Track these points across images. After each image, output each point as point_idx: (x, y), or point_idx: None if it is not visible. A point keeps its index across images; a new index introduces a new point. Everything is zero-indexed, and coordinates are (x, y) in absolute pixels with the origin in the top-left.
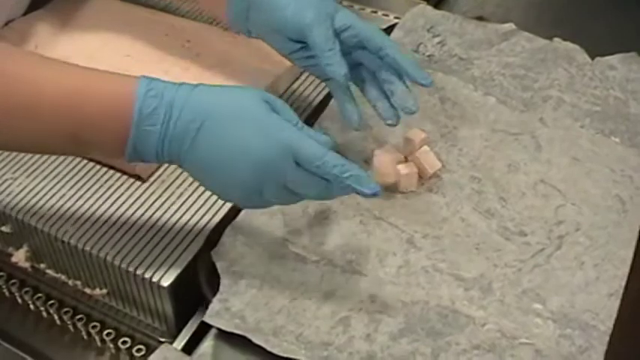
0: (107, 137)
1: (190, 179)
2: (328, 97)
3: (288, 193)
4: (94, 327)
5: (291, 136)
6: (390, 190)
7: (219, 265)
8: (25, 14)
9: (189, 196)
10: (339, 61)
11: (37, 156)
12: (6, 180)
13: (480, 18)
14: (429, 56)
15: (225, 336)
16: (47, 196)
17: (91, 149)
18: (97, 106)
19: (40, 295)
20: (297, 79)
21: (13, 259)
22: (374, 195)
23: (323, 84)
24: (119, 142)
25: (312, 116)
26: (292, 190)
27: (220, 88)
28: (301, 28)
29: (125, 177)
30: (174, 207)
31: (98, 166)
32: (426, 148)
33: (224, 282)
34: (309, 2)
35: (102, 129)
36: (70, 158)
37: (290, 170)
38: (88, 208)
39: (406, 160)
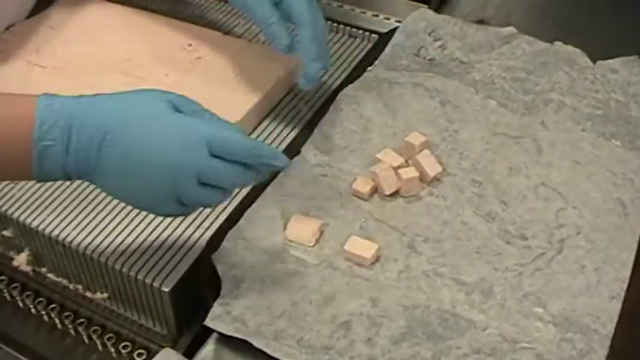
0: (11, 160)
1: None
2: (329, 101)
3: (206, 190)
4: (95, 331)
5: (201, 129)
6: (392, 193)
7: (220, 269)
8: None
9: None
10: (279, 33)
11: None
12: (7, 184)
13: (481, 21)
14: (430, 60)
15: (226, 340)
16: (48, 200)
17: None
18: None
19: (41, 299)
20: (298, 83)
21: (15, 263)
22: (285, 167)
23: (324, 88)
24: (24, 164)
25: (312, 120)
26: (209, 184)
27: (120, 95)
28: (241, 5)
29: None
30: None
31: None
32: (426, 151)
33: (225, 286)
34: None
35: (4, 153)
36: None
37: (205, 162)
38: (89, 212)
39: (407, 163)
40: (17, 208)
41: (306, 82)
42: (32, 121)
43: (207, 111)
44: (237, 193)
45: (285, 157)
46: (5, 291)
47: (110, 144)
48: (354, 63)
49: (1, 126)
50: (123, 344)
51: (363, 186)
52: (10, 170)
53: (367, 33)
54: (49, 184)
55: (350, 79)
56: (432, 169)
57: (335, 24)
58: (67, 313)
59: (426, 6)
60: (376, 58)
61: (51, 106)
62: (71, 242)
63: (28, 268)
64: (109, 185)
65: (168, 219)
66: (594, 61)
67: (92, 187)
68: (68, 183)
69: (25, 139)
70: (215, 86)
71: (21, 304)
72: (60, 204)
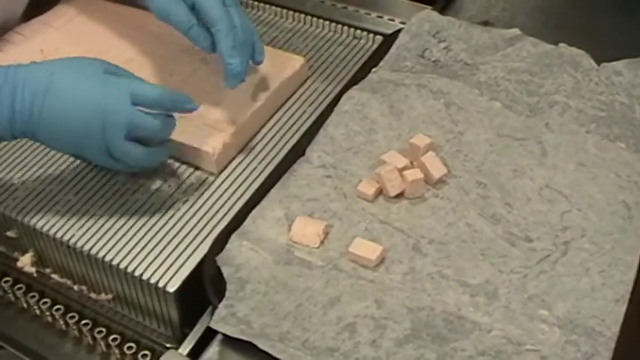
0: None
1: (196, 185)
2: (333, 103)
3: (132, 144)
4: (99, 332)
5: (125, 83)
6: (396, 195)
7: (224, 271)
8: (28, 17)
9: (194, 202)
10: (199, 35)
11: (42, 161)
12: (12, 185)
13: (486, 23)
14: (434, 61)
15: (230, 342)
16: (52, 201)
17: None
18: None
19: (45, 300)
20: (303, 84)
21: (19, 264)
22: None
23: (329, 89)
24: None
25: (316, 121)
26: (135, 138)
27: (61, 60)
28: (162, 15)
29: (131, 182)
30: (180, 213)
31: (103, 171)
32: (431, 153)
33: (230, 287)
34: None
35: None
36: (74, 163)
37: (129, 110)
38: (94, 213)
39: (412, 165)
40: (21, 209)
41: (228, 79)
42: None
43: (138, 78)
44: (242, 195)
45: (195, 102)
46: (10, 292)
47: (51, 100)
48: (359, 64)
49: None
50: (127, 345)
51: (368, 188)
52: None
53: (371, 34)
54: (53, 184)
55: (354, 81)
56: (437, 170)
57: (339, 25)
58: (71, 315)
59: (430, 7)
60: (381, 60)
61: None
62: (75, 243)
63: (32, 269)
64: (50, 139)
65: (173, 220)
66: (599, 63)
67: (96, 188)
68: (72, 184)
69: None
70: (220, 86)
71: (25, 306)
72: (64, 205)
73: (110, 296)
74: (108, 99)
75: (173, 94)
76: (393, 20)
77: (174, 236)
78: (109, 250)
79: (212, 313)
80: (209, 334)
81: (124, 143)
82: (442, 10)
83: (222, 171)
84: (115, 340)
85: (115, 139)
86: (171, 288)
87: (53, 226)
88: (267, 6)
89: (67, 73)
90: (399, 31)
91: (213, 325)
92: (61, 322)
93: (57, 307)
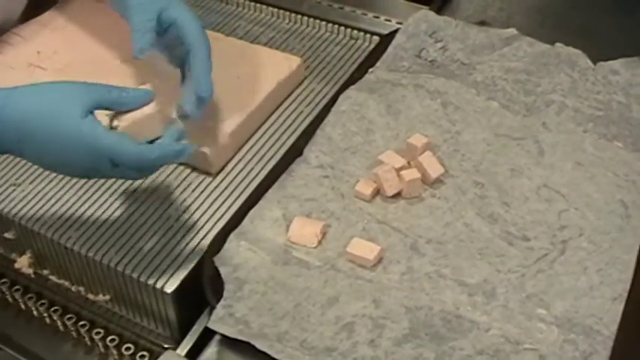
0: None
1: (194, 186)
2: (331, 103)
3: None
4: (97, 333)
5: (103, 143)
6: (394, 195)
7: (222, 271)
8: (27, 18)
9: (191, 203)
10: (141, 39)
11: None
12: (9, 186)
13: (482, 23)
14: (431, 61)
15: (229, 342)
16: (50, 203)
17: None
18: None
19: (43, 301)
20: (301, 84)
21: (17, 266)
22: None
23: (326, 90)
24: None
25: (314, 121)
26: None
27: (31, 99)
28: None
29: (127, 183)
30: (178, 213)
31: None
32: (428, 153)
33: (228, 288)
34: None
35: None
36: None
37: (109, 171)
38: (91, 215)
39: (409, 165)
40: (19, 210)
41: (196, 103)
42: None
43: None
44: (239, 195)
45: (187, 146)
46: (7, 293)
47: (28, 151)
48: (356, 64)
49: None
50: (125, 346)
51: (366, 188)
52: None
53: (368, 35)
54: (50, 185)
55: (351, 81)
56: (434, 170)
57: (336, 25)
58: (69, 316)
59: (427, 7)
60: (378, 60)
61: None
62: (73, 244)
63: (30, 271)
64: (36, 164)
65: (170, 221)
66: (595, 63)
67: (93, 189)
68: (70, 185)
69: None
70: (216, 89)
71: (23, 307)
72: (61, 206)
73: (108, 297)
74: (90, 168)
75: (146, 154)
76: (389, 20)
77: (172, 237)
78: (107, 252)
79: (210, 313)
80: (207, 335)
81: (111, 175)
82: (439, 10)
83: (219, 171)
84: (113, 340)
85: (103, 177)
86: (169, 289)
87: (50, 227)
88: (264, 7)
89: (40, 124)
90: (395, 31)
91: (212, 326)
92: (59, 324)
93: (55, 308)
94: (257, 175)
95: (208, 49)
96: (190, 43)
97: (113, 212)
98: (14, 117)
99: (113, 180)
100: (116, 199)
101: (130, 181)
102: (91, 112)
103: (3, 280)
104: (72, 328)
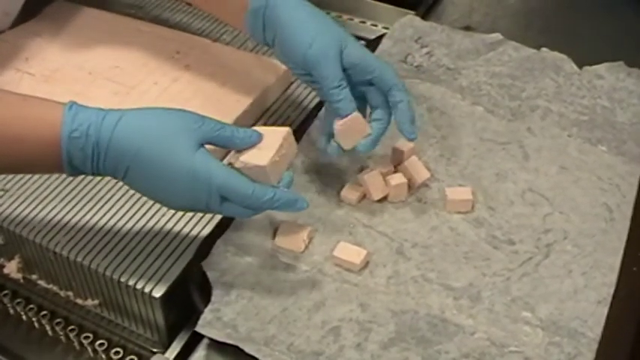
0: (44, 171)
1: None
2: (317, 108)
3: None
4: (86, 337)
5: (216, 178)
6: (380, 199)
7: (210, 276)
8: (15, 24)
9: None
10: (346, 97)
11: None
12: None
13: (468, 28)
14: (417, 66)
15: (217, 346)
16: (38, 208)
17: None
18: (29, 152)
19: (32, 306)
20: (287, 89)
21: (5, 271)
22: (305, 208)
23: (312, 95)
24: (57, 171)
25: (300, 126)
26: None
27: (144, 124)
28: (307, 64)
29: (115, 188)
30: (166, 218)
31: (89, 178)
32: (414, 158)
33: (215, 292)
34: (318, 37)
35: (38, 170)
36: None
37: (217, 206)
38: (80, 220)
39: (395, 170)
40: (7, 216)
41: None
42: (59, 147)
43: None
44: None
45: (301, 200)
46: None
47: (133, 176)
48: None
49: (35, 149)
50: (114, 350)
51: (352, 192)
52: (44, 170)
53: None
54: (39, 190)
55: None
56: (420, 175)
57: None
58: (57, 320)
59: (413, 13)
60: None
61: (75, 131)
62: (62, 249)
63: (18, 276)
64: (135, 190)
65: (158, 226)
66: (580, 67)
67: (82, 194)
68: (58, 191)
69: (55, 159)
70: (203, 94)
71: (12, 311)
72: (50, 211)
73: (97, 302)
74: (197, 202)
75: (269, 200)
76: (375, 26)
77: (160, 242)
78: (95, 257)
79: (198, 317)
80: (195, 339)
81: (222, 208)
82: (424, 16)
83: None
84: (101, 345)
85: (200, 211)
86: (157, 293)
87: (39, 232)
88: None
89: (152, 154)
90: (382, 36)
91: (200, 330)
92: (48, 328)
93: (43, 312)
94: None
95: (408, 96)
96: (389, 84)
97: (101, 217)
98: (125, 142)
99: (101, 185)
100: (104, 205)
101: (118, 187)
102: (202, 146)
103: None
104: (61, 333)
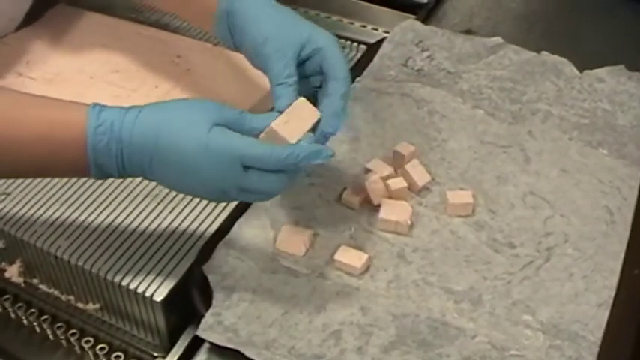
0: (70, 173)
1: (181, 195)
2: None
3: (250, 194)
4: (87, 341)
5: (234, 146)
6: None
7: (211, 279)
8: (17, 28)
9: (181, 211)
10: (286, 95)
11: None
12: None
13: (468, 32)
14: (417, 70)
15: (218, 350)
16: (40, 212)
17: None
18: (54, 153)
19: (33, 310)
20: None
21: (7, 274)
22: (331, 157)
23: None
24: (83, 173)
25: None
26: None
27: (163, 114)
28: (260, 60)
29: (117, 192)
30: (167, 222)
31: (90, 181)
32: (415, 161)
33: (216, 296)
34: (272, 35)
35: (63, 172)
36: None
37: (241, 178)
38: (81, 224)
39: (396, 173)
40: (8, 220)
41: (320, 138)
42: (85, 145)
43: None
44: (227, 204)
45: (325, 150)
46: None
47: (158, 165)
48: None
49: (61, 151)
50: (115, 354)
51: (353, 196)
52: (70, 176)
53: (355, 44)
54: (40, 194)
55: None
56: (421, 178)
57: None
58: (59, 324)
59: (413, 17)
60: (364, 69)
61: (100, 127)
62: (63, 253)
63: (20, 279)
64: (163, 184)
65: (159, 230)
66: (581, 71)
67: (83, 198)
68: (59, 195)
69: (80, 159)
70: (204, 97)
71: (13, 315)
72: (51, 215)
73: (98, 306)
74: (221, 177)
75: (291, 154)
76: (376, 29)
77: (161, 245)
78: (96, 261)
79: (199, 321)
80: (196, 343)
81: (242, 195)
82: (425, 20)
83: None
84: (102, 349)
85: (233, 196)
86: (159, 297)
87: (40, 236)
88: None
89: (170, 142)
90: (382, 40)
91: (200, 334)
92: (49, 332)
93: (44, 316)
94: None
95: (348, 85)
96: (334, 73)
97: (102, 221)
98: (145, 134)
99: (102, 189)
100: (105, 208)
101: (120, 191)
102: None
103: None
104: (62, 337)
